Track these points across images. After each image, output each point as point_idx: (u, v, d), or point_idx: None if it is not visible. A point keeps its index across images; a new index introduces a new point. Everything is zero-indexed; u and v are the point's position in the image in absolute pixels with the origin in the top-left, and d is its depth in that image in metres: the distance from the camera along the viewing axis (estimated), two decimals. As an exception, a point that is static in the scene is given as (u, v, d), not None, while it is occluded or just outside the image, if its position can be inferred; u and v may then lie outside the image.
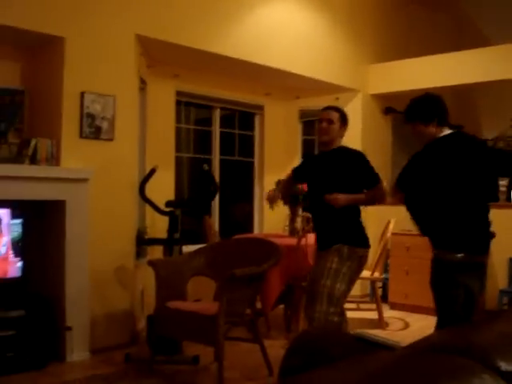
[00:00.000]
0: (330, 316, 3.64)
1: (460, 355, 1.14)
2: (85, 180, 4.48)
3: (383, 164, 7.44)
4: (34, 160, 4.34)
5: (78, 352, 4.41)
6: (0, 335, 4.01)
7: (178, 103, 6.31)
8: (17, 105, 4.67)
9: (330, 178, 3.89)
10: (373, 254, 6.24)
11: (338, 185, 3.83)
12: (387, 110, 7.30)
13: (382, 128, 7.40)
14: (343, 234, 3.84)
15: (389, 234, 5.75)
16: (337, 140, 3.99)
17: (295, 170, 4.39)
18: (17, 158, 4.37)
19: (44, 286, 4.48)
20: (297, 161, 7.37)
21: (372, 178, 3.93)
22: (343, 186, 3.83)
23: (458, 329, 1.35)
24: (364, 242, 3.92)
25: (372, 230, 6.92)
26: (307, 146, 7.53)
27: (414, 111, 3.55)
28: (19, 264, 4.34)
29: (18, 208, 4.34)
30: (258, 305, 5.29)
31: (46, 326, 4.28)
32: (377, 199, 3.98)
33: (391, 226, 5.76)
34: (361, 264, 3.87)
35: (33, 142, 4.36)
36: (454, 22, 8.66)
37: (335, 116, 3.98)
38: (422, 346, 1.21)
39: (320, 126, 3.98)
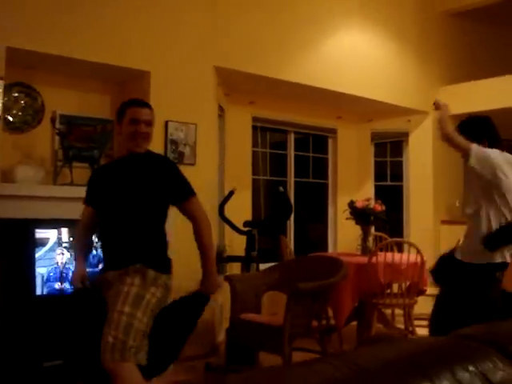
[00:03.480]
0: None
1: (479, 342, 1.38)
2: (169, 202, 4.84)
3: (455, 185, 7.53)
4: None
5: (162, 360, 4.75)
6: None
7: (254, 128, 6.64)
8: (107, 133, 5.11)
9: (134, 189, 3.06)
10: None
11: (142, 197, 3.05)
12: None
13: (453, 149, 7.47)
14: (145, 254, 3.05)
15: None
16: None
17: (88, 199, 3.39)
18: (108, 182, 4.78)
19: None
20: (370, 182, 7.59)
21: (183, 189, 3.13)
22: (148, 199, 3.06)
23: (485, 324, 1.59)
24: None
25: (443, 248, 7.06)
26: (379, 168, 7.72)
27: (464, 130, 3.64)
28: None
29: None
30: (333, 321, 5.53)
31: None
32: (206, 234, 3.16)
33: (461, 245, 5.86)
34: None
35: (122, 167, 4.78)
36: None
37: (153, 115, 3.18)
38: (449, 335, 1.46)
39: (138, 130, 3.06)
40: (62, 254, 4.47)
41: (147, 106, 3.19)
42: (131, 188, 3.06)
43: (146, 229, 3.07)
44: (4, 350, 4.09)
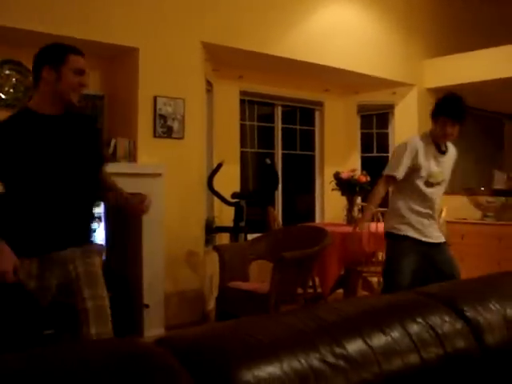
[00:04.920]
0: None
1: (432, 299, 1.55)
2: (159, 175, 4.97)
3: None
4: (114, 158, 4.90)
5: (154, 328, 4.91)
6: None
7: (242, 102, 6.76)
8: (98, 109, 5.22)
9: (78, 152, 2.69)
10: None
11: (85, 161, 2.72)
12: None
13: (437, 121, 7.62)
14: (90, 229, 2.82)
15: (441, 221, 6.03)
16: None
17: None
18: (99, 157, 4.92)
19: (124, 267, 5.02)
20: (356, 154, 7.74)
21: (103, 156, 2.89)
22: (90, 164, 2.75)
23: (444, 283, 1.77)
24: None
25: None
26: (366, 139, 7.87)
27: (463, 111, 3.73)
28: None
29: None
30: (319, 289, 5.72)
31: (127, 304, 4.81)
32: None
33: (443, 215, 6.03)
34: None
35: (112, 142, 4.91)
36: (506, 14, 8.73)
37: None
38: (406, 292, 1.63)
39: (83, 82, 2.66)
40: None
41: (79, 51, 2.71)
42: (74, 150, 2.68)
43: (90, 198, 2.80)
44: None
